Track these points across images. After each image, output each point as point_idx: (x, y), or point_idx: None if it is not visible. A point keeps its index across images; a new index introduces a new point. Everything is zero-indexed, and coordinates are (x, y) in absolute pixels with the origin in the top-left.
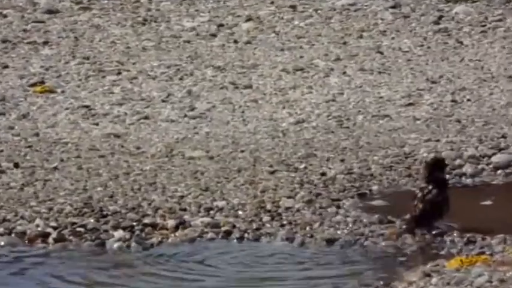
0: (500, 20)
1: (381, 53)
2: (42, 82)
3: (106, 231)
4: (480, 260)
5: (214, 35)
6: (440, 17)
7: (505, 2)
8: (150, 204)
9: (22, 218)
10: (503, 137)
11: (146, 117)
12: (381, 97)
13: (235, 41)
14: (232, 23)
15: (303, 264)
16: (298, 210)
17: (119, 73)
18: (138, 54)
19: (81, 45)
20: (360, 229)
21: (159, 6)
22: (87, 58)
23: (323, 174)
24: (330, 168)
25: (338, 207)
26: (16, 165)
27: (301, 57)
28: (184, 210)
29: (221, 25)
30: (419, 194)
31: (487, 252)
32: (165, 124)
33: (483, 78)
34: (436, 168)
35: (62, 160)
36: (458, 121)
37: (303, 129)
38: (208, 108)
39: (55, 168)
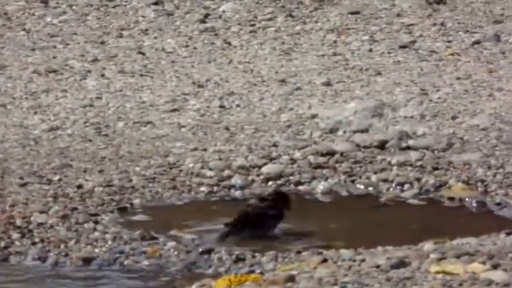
0: (270, 19)
1: (143, 53)
2: None
3: None
4: (250, 279)
5: None
6: (206, 15)
7: (275, 0)
8: None
9: None
10: (275, 145)
11: None
12: (143, 102)
13: None
14: None
15: (56, 286)
16: (51, 227)
17: None
18: None
19: None
20: (120, 246)
21: None
22: None
23: (79, 186)
24: (87, 180)
25: (96, 222)
26: None
27: (54, 57)
28: None
29: None
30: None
31: (257, 271)
32: None
33: (253, 82)
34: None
35: None
36: (227, 128)
37: (57, 137)
38: None
39: None
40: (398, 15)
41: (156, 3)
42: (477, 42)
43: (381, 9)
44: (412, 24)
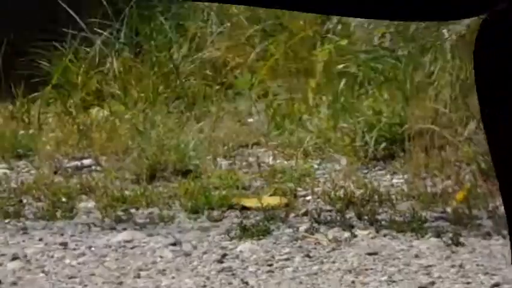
0: (287, 259)
1: None
2: None
3: None
4: None
5: None
6: (224, 255)
7: (292, 240)
8: None
9: None
10: None
11: None
12: None
13: (1, 282)
14: None
15: None
16: None
17: None
18: None
19: None
20: None
21: None
22: None
23: None
24: None
25: None
26: None
27: None
28: None
29: None
30: None
31: None
32: None
33: None
34: None
35: None
36: None
37: None
38: None
39: None
40: (417, 256)
41: (174, 244)
42: (496, 284)
43: (399, 250)
44: (430, 266)
